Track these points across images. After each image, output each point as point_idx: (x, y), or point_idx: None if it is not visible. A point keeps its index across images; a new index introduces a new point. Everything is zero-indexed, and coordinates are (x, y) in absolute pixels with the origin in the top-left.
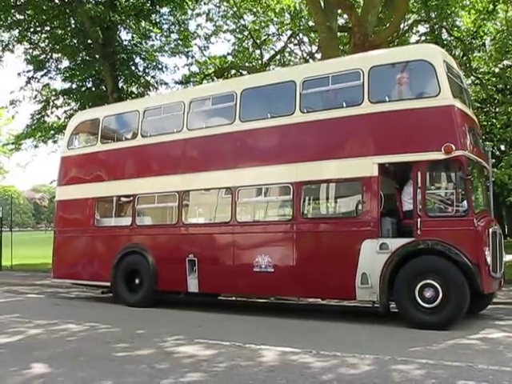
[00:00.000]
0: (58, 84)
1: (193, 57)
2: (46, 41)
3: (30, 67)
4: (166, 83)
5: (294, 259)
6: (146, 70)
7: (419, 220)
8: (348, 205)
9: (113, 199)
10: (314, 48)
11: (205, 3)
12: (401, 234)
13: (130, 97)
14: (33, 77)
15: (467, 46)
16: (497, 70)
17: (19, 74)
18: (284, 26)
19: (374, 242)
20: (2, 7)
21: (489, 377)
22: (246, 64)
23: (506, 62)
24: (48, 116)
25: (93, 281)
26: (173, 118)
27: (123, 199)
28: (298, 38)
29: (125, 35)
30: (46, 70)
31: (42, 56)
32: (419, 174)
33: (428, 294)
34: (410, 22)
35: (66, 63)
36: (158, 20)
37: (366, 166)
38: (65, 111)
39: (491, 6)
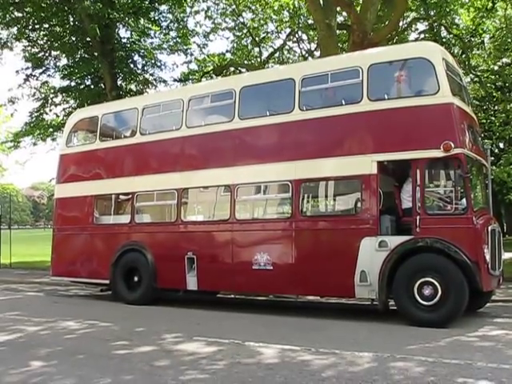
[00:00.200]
0: (57, 82)
1: (192, 54)
2: (45, 38)
3: (29, 65)
4: (164, 81)
5: (292, 257)
6: (145, 68)
7: (418, 218)
8: (347, 202)
9: (112, 197)
10: (313, 46)
11: (203, 1)
12: (400, 231)
13: (128, 94)
14: (31, 74)
15: (466, 43)
16: (496, 68)
17: (17, 72)
18: (283, 23)
19: (373, 240)
20: (1, 5)
21: (488, 374)
22: (245, 62)
23: (504, 60)
24: (47, 114)
25: (92, 278)
26: (172, 116)
27: (122, 197)
28: (296, 35)
29: (123, 33)
30: (44, 68)
31: (41, 53)
32: (418, 171)
33: (427, 291)
34: (409, 19)
35: (64, 61)
36: (156, 18)
37: (365, 164)
38: (63, 109)
39: (490, 4)
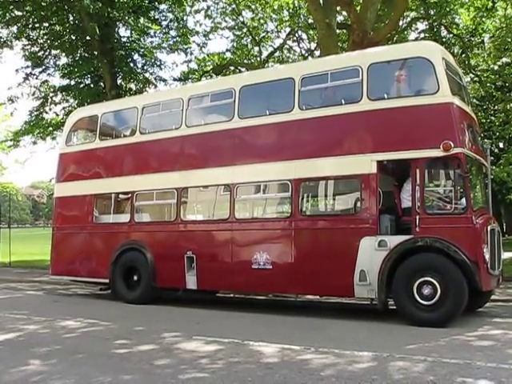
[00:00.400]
0: (57, 80)
1: (191, 53)
2: (45, 37)
3: (29, 63)
4: (164, 80)
5: (292, 256)
6: (145, 67)
7: (418, 217)
8: (346, 202)
9: (111, 196)
10: (313, 45)
11: (203, 0)
12: (399, 231)
13: (128, 93)
14: (31, 73)
15: (466, 43)
16: (496, 68)
17: (17, 71)
18: (283, 22)
19: (372, 239)
20: (1, 3)
21: (487, 374)
22: (245, 61)
23: (504, 60)
24: (46, 113)
25: (91, 277)
26: (171, 115)
27: (121, 196)
28: (296, 34)
29: (123, 32)
30: (44, 67)
31: (41, 52)
32: (418, 171)
33: (426, 291)
34: (408, 19)
35: (64, 60)
36: (156, 17)
37: (365, 163)
38: (63, 108)
39: (490, 4)
